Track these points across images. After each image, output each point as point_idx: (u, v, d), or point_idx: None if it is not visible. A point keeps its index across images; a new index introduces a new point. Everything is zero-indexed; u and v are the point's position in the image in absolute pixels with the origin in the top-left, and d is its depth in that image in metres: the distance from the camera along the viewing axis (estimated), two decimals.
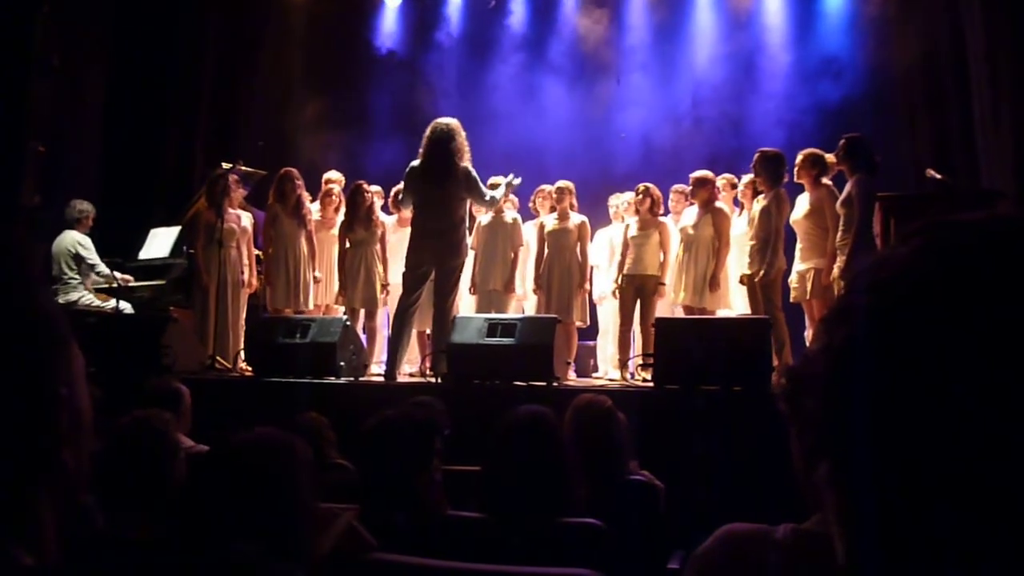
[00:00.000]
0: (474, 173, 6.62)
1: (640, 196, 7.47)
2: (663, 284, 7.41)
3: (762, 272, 6.68)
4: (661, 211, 7.55)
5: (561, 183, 7.77)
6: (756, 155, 6.90)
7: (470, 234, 7.56)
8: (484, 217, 7.75)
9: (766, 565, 1.45)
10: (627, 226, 7.59)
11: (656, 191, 7.49)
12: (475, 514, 2.51)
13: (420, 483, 2.54)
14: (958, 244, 0.50)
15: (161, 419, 2.72)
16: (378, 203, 7.81)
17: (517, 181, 7.24)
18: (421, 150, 6.68)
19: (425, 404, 3.66)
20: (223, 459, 1.61)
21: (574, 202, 7.76)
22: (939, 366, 0.46)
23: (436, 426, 2.73)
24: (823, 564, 1.37)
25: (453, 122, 6.67)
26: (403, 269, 6.88)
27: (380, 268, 7.59)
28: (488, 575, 1.87)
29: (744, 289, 7.13)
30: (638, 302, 7.44)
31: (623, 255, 7.53)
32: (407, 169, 6.76)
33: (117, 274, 7.80)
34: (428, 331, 7.23)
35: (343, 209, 7.90)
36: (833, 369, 0.52)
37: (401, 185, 7.26)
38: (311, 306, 7.77)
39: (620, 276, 7.52)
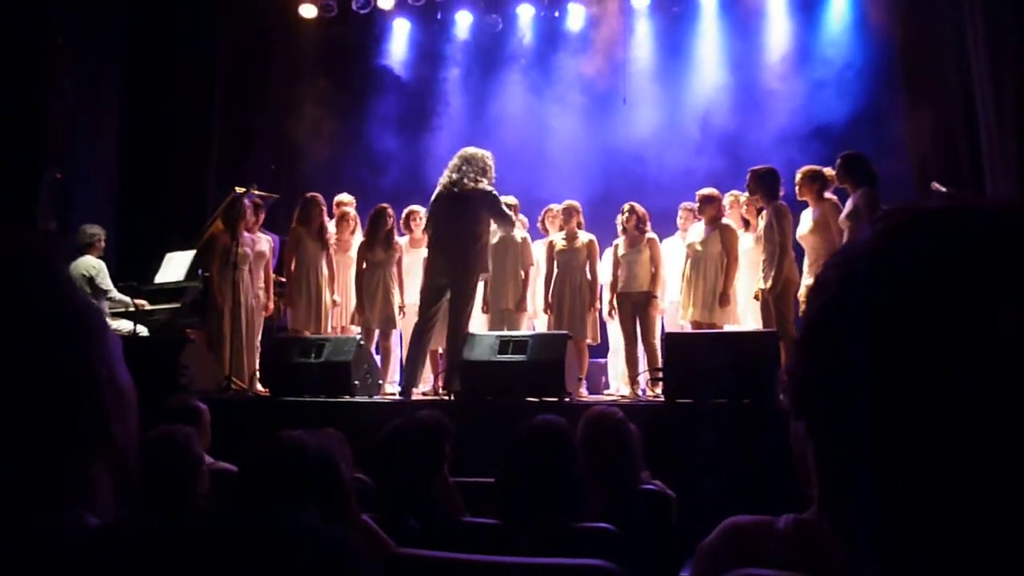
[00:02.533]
0: (495, 193, 6.78)
1: (626, 215, 7.58)
2: (655, 297, 7.49)
3: (770, 285, 6.74)
4: (648, 227, 7.63)
5: (568, 203, 7.86)
6: (748, 174, 6.99)
7: None
8: (493, 237, 7.84)
9: (769, 554, 1.53)
10: (616, 245, 7.69)
11: (640, 208, 7.61)
12: (490, 520, 2.57)
13: (434, 487, 2.60)
14: (909, 226, 0.58)
15: (184, 433, 2.80)
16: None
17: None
18: (446, 170, 6.87)
19: (432, 413, 3.73)
20: (274, 454, 1.70)
21: (581, 221, 7.84)
22: (892, 332, 0.54)
23: (445, 431, 2.79)
24: (822, 551, 1.44)
25: (475, 150, 6.91)
26: (418, 288, 7.01)
27: (397, 289, 7.69)
28: (504, 568, 1.94)
29: (752, 305, 7.20)
30: (637, 319, 7.52)
31: (614, 274, 7.62)
32: (432, 197, 6.96)
33: (130, 300, 7.88)
34: (440, 349, 7.32)
35: (359, 231, 8.00)
36: (808, 330, 0.60)
37: (414, 207, 7.69)
38: (330, 328, 7.85)
39: (613, 296, 7.62)
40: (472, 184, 6.69)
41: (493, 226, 7.17)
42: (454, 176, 6.76)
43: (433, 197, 6.93)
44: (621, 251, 7.60)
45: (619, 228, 7.74)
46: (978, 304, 0.52)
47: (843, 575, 0.61)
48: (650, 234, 7.62)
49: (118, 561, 0.66)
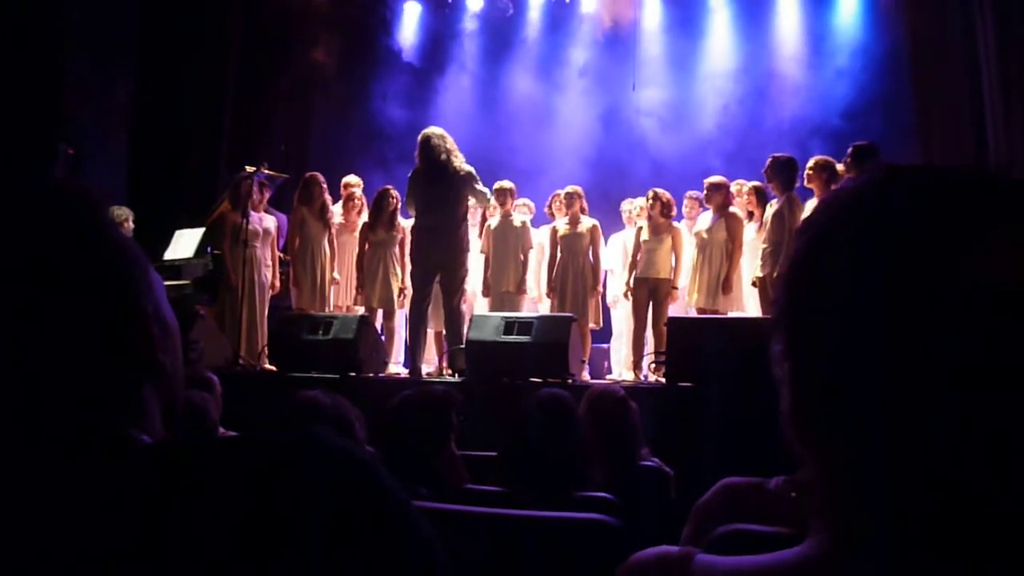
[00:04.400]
0: (473, 171, 6.91)
1: (651, 201, 7.61)
2: (676, 288, 7.56)
3: (775, 275, 6.81)
4: (673, 214, 7.68)
5: (570, 188, 7.92)
6: (768, 160, 7.06)
7: (479, 236, 7.79)
8: (493, 220, 7.94)
9: (760, 511, 1.61)
10: (639, 229, 7.73)
11: (666, 195, 7.63)
12: (494, 488, 2.66)
13: (441, 458, 2.68)
14: (891, 175, 0.66)
15: (201, 398, 2.89)
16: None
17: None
18: (419, 156, 6.98)
19: (441, 386, 3.81)
20: (290, 412, 1.78)
21: (584, 206, 7.88)
22: (875, 267, 0.61)
23: (453, 402, 2.86)
24: (810, 508, 1.52)
25: (439, 129, 7.04)
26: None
27: (399, 270, 7.76)
28: (510, 520, 2.02)
29: (753, 292, 7.28)
30: (650, 305, 7.58)
31: (634, 258, 7.67)
32: (410, 175, 7.02)
33: None
34: (443, 332, 7.41)
35: (365, 211, 8.08)
36: (794, 263, 0.68)
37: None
38: (331, 307, 7.93)
39: (631, 278, 7.67)
40: (454, 163, 6.80)
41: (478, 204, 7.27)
42: (434, 157, 6.83)
43: (412, 179, 6.98)
44: (644, 236, 7.63)
45: (627, 215, 7.76)
46: (951, 248, 0.59)
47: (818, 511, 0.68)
48: (675, 223, 7.68)
49: (168, 472, 0.74)
